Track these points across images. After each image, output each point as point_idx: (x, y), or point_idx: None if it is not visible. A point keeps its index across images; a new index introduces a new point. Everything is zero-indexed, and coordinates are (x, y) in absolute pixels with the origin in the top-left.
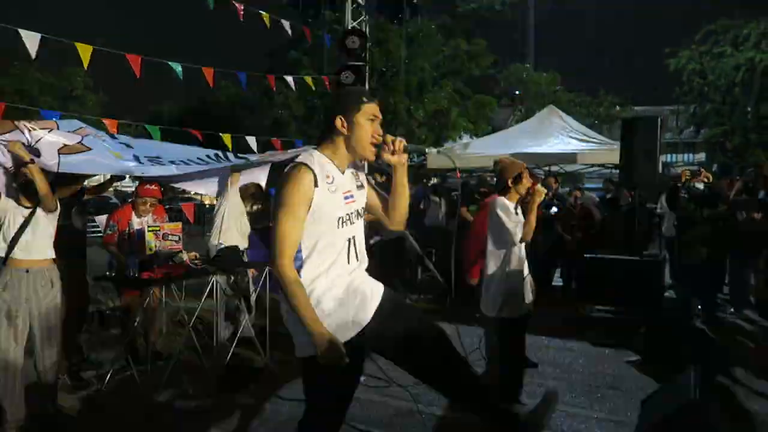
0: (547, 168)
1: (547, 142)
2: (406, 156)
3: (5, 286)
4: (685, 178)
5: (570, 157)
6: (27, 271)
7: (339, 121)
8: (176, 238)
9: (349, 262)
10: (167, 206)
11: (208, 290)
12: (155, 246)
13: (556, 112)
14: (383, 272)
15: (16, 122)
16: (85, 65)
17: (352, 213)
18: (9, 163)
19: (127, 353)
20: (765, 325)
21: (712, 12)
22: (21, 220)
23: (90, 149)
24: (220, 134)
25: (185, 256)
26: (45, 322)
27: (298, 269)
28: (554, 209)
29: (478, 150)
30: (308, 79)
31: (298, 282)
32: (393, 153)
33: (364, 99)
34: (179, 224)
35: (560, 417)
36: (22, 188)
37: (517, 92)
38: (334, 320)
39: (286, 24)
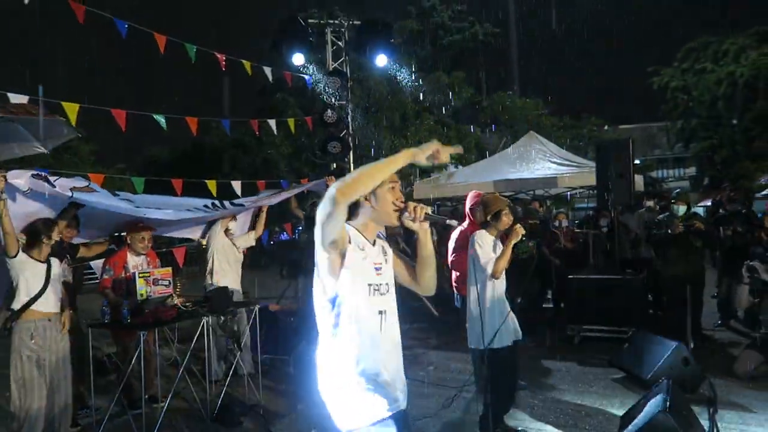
0: (531, 192)
1: (528, 168)
2: (427, 223)
3: (32, 335)
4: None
5: (551, 181)
6: (49, 320)
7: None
8: (166, 283)
9: (381, 331)
10: (159, 251)
11: (198, 332)
12: (146, 291)
13: (536, 138)
14: None
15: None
16: (73, 123)
17: (381, 284)
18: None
19: (122, 398)
20: (751, 335)
21: (692, 30)
22: (42, 273)
23: (97, 192)
24: (205, 181)
25: (176, 300)
26: (61, 367)
27: (333, 336)
28: None
29: (462, 179)
30: (291, 122)
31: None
32: (414, 220)
33: None
34: (169, 269)
35: None
36: (29, 244)
37: (506, 117)
38: (364, 395)
39: (267, 70)
